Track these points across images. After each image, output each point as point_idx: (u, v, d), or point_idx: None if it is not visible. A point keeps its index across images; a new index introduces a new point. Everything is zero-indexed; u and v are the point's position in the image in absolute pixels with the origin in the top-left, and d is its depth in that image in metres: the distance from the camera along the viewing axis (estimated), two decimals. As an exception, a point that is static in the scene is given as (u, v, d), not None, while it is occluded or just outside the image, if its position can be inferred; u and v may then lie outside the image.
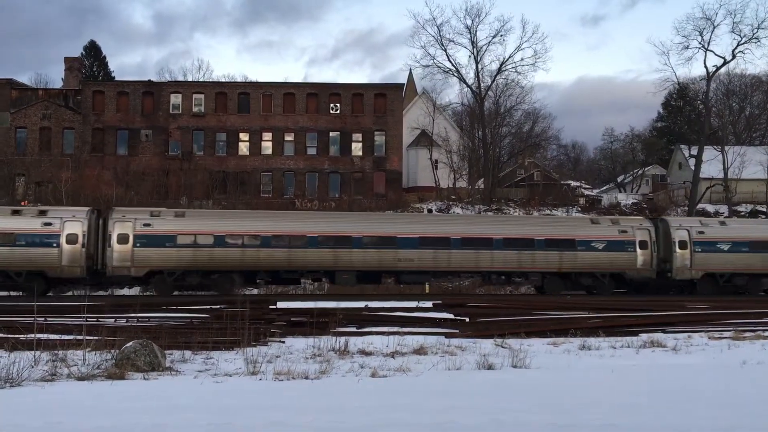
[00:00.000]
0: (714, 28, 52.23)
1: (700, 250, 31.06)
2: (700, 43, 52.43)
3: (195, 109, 53.19)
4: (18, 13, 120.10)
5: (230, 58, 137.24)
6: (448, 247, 29.37)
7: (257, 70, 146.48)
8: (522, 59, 63.10)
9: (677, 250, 30.96)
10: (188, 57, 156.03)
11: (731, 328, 18.22)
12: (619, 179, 72.66)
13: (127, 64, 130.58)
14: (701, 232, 31.42)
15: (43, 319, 15.69)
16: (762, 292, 31.69)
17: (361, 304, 21.32)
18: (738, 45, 52.12)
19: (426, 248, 29.21)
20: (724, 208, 51.85)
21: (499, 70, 56.57)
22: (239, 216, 31.35)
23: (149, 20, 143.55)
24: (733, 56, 52.38)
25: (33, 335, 12.98)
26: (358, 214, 36.37)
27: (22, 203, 42.21)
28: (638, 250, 30.72)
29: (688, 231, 31.29)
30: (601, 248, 30.48)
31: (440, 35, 56.64)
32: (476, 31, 56.43)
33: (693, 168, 53.07)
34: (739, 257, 31.07)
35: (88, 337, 13.44)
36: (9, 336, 14.07)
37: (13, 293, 28.10)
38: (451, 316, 19.21)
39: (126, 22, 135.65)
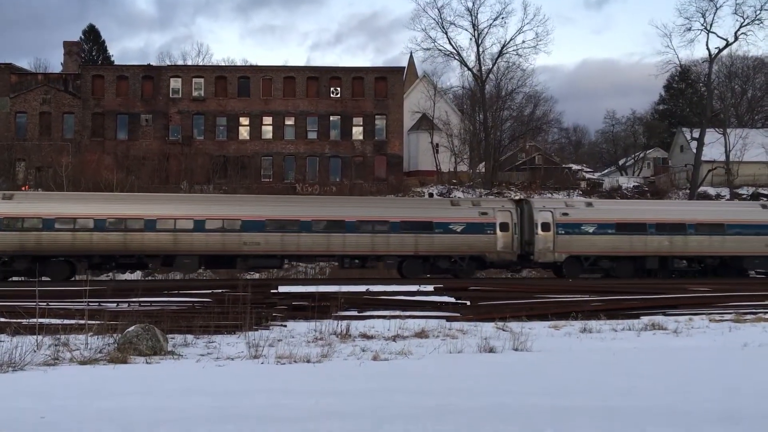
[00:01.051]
0: (716, 9, 52.25)
1: (563, 232, 30.18)
2: (702, 24, 52.24)
3: (195, 94, 53.02)
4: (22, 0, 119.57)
5: (233, 43, 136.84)
6: (297, 230, 28.44)
7: (260, 54, 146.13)
8: (523, 42, 63.33)
9: (539, 232, 30.11)
10: (191, 42, 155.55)
11: (732, 311, 18.25)
12: (621, 162, 72.53)
13: (130, 49, 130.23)
14: (565, 214, 30.47)
15: (45, 303, 15.71)
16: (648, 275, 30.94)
17: (362, 288, 21.34)
18: (740, 27, 51.92)
19: (273, 231, 28.24)
20: (725, 191, 51.80)
21: (501, 53, 56.37)
22: (70, 199, 29.77)
23: (152, 5, 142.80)
24: (736, 38, 52.18)
25: (35, 320, 13.01)
26: (201, 197, 34.89)
27: (23, 188, 42.22)
28: (498, 232, 29.96)
29: (552, 213, 30.41)
30: (459, 231, 29.63)
31: (441, 18, 56.42)
32: (477, 13, 56.40)
33: (695, 151, 52.95)
34: (605, 239, 30.22)
35: (90, 322, 13.47)
36: (11, 320, 14.10)
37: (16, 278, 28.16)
38: (453, 299, 19.24)
39: (129, 7, 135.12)
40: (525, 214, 30.77)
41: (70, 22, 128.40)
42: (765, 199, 48.86)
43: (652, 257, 30.57)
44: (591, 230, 30.26)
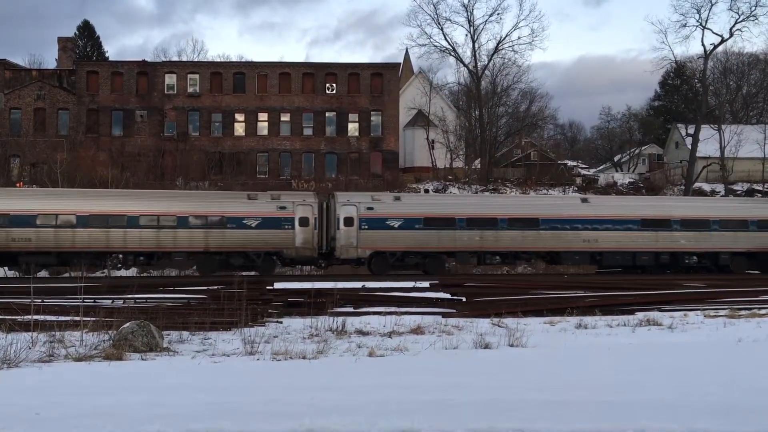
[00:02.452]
0: (712, 5, 52.30)
1: (367, 227, 28.92)
2: (697, 21, 52.30)
3: (190, 90, 52.87)
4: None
5: (231, 40, 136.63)
6: (73, 225, 27.22)
7: (259, 51, 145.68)
8: (519, 38, 63.18)
9: (342, 227, 28.83)
10: (188, 38, 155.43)
11: (727, 307, 18.33)
12: (616, 158, 72.65)
13: (129, 46, 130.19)
14: (370, 208, 29.17)
15: (40, 300, 15.68)
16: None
17: (358, 285, 21.36)
18: (736, 23, 51.98)
19: (46, 227, 27.05)
20: (720, 187, 51.94)
21: (496, 49, 56.37)
22: None
23: (152, 2, 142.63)
24: (731, 34, 52.25)
25: (30, 316, 12.99)
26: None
27: (18, 185, 42.10)
28: (297, 227, 28.61)
29: (356, 207, 29.08)
30: (254, 226, 28.40)
31: (437, 14, 56.42)
32: (473, 9, 56.28)
33: (690, 147, 53.06)
34: (412, 235, 29.12)
35: (85, 318, 13.46)
36: (6, 317, 14.08)
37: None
38: (448, 295, 19.28)
39: (128, 4, 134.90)
40: (331, 209, 29.56)
41: (69, 19, 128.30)
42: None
43: (462, 252, 29.74)
44: (397, 225, 29.12)
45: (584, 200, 32.48)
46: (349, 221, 28.98)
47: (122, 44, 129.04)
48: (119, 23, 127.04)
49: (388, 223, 29.21)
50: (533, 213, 30.26)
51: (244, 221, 28.48)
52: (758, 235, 31.58)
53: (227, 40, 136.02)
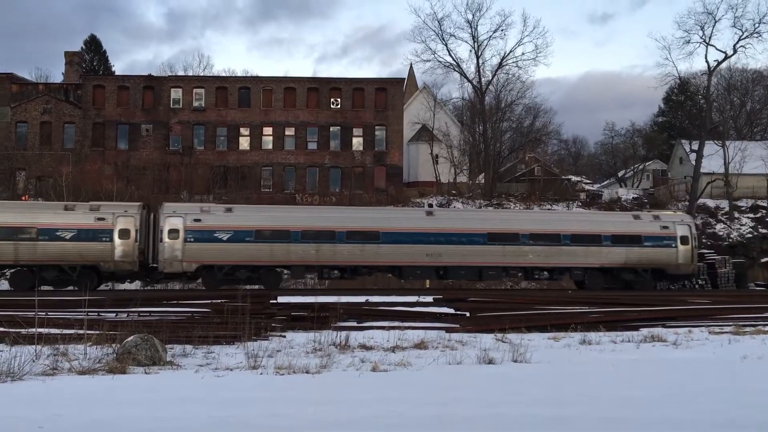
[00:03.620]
0: (715, 22, 52.26)
1: (193, 239, 27.84)
2: (701, 37, 52.42)
3: (195, 104, 53.15)
4: (30, 10, 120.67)
5: (240, 56, 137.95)
6: None
7: (267, 67, 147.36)
8: (523, 54, 63.43)
9: (166, 239, 27.76)
10: (196, 53, 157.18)
11: (732, 323, 18.25)
12: (620, 174, 72.63)
13: (139, 61, 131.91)
14: (197, 220, 28.19)
15: (44, 313, 15.69)
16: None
17: (361, 299, 21.34)
18: (739, 40, 52.11)
19: None
20: (725, 203, 51.85)
21: (500, 65, 56.58)
22: None
23: (162, 18, 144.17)
24: (735, 51, 52.37)
25: (34, 329, 13.00)
26: None
27: (23, 198, 42.26)
28: (117, 239, 27.54)
29: (182, 218, 28.13)
30: (69, 238, 27.24)
31: (441, 30, 56.66)
32: (477, 25, 56.50)
33: (694, 163, 53.03)
34: (242, 248, 28.19)
35: (89, 332, 13.46)
36: (10, 330, 14.08)
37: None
38: (452, 310, 19.23)
39: (139, 19, 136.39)
40: (158, 220, 28.56)
41: (77, 34, 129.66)
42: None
43: (297, 266, 29.10)
44: (226, 238, 28.10)
45: (429, 213, 31.63)
46: (174, 233, 27.96)
47: (132, 59, 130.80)
48: (130, 39, 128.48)
49: (216, 235, 28.21)
50: (373, 226, 29.40)
51: (58, 233, 27.32)
52: (612, 250, 30.54)
53: (235, 56, 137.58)
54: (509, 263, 30.12)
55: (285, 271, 30.44)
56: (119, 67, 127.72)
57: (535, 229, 30.60)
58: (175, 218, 28.28)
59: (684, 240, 31.41)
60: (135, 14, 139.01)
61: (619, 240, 30.80)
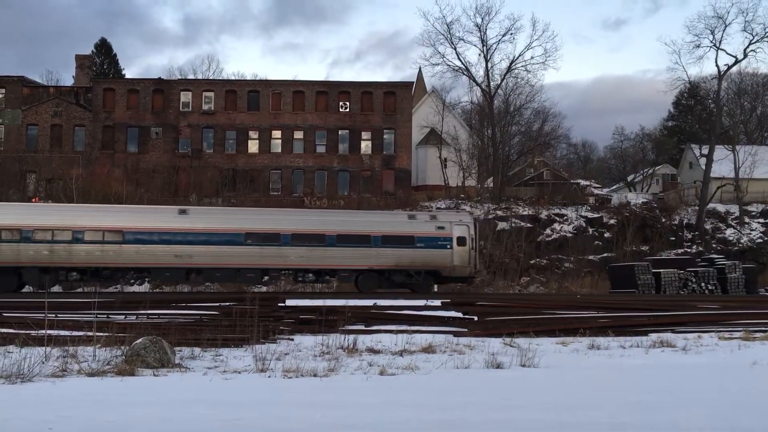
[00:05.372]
0: (726, 26, 51.95)
1: None
2: (711, 41, 52.14)
3: (205, 107, 53.34)
4: (48, 16, 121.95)
5: (254, 60, 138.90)
6: None
7: (280, 71, 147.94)
8: (532, 57, 63.27)
9: None
10: (205, 58, 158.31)
11: (741, 329, 18.14)
12: (629, 178, 72.36)
13: (154, 66, 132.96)
14: None
15: (53, 315, 15.78)
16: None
17: (369, 302, 21.33)
18: (750, 44, 51.82)
19: None
20: (734, 208, 51.59)
21: (509, 69, 56.46)
22: None
23: (178, 24, 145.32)
24: (745, 55, 52.08)
25: (44, 331, 13.07)
26: None
27: (33, 200, 42.52)
28: None
29: None
30: None
31: (450, 34, 56.59)
32: (486, 29, 56.32)
33: (704, 167, 52.79)
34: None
35: (98, 334, 13.52)
36: (20, 331, 14.16)
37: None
38: (460, 314, 19.20)
39: (155, 25, 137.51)
40: None
41: (90, 38, 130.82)
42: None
43: (31, 268, 27.35)
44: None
45: (182, 212, 29.99)
46: None
47: (148, 64, 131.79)
48: (146, 44, 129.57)
49: None
50: (118, 225, 27.97)
51: None
52: (382, 251, 29.50)
53: (250, 61, 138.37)
54: (269, 265, 28.98)
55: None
56: (134, 71, 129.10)
57: (297, 229, 29.41)
58: None
59: (461, 241, 30.28)
60: (152, 20, 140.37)
61: (390, 241, 29.64)
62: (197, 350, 13.27)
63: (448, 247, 30.16)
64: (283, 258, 29.09)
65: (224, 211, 33.85)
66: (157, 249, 28.14)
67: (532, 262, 44.34)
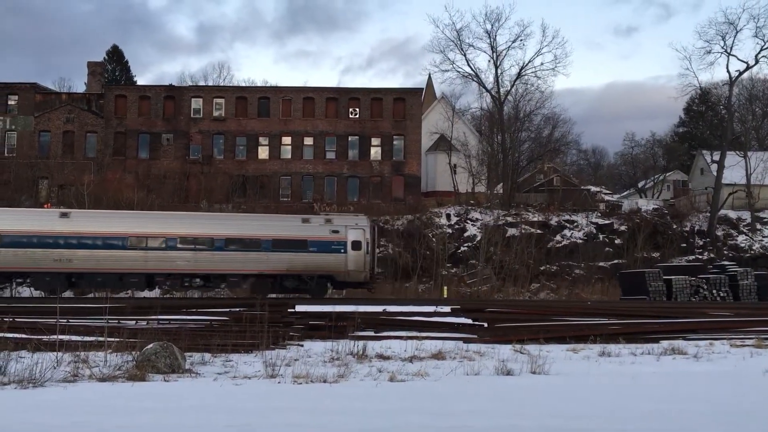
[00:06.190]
0: (737, 32, 51.86)
1: None
2: (722, 47, 52.03)
3: (215, 114, 53.61)
4: (63, 24, 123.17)
5: (267, 68, 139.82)
6: None
7: (293, 78, 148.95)
8: (542, 63, 63.29)
9: None
10: (216, 65, 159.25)
11: (754, 336, 18.00)
12: (640, 185, 72.06)
13: (167, 73, 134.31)
14: None
15: (65, 320, 15.86)
16: None
17: (379, 308, 21.33)
18: (761, 50, 51.67)
19: None
20: (746, 215, 51.28)
21: (519, 75, 56.47)
22: None
23: (192, 32, 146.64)
24: (756, 61, 51.95)
25: (56, 336, 13.14)
26: None
27: (45, 206, 42.80)
28: None
29: None
30: None
31: (460, 40, 56.68)
32: (496, 36, 56.48)
33: (715, 174, 52.52)
34: None
35: (109, 339, 13.58)
36: (32, 337, 14.25)
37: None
38: (470, 321, 19.16)
39: (169, 33, 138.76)
40: None
41: (103, 45, 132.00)
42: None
43: None
44: None
45: (64, 215, 29.48)
46: None
47: (162, 71, 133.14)
48: (160, 52, 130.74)
49: None
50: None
51: None
52: (273, 256, 28.97)
53: (262, 68, 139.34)
54: (154, 270, 28.38)
55: None
56: (148, 78, 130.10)
57: (184, 232, 28.85)
58: None
59: (356, 245, 29.86)
60: (166, 28, 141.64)
61: (282, 245, 29.21)
62: (207, 356, 13.30)
63: (343, 251, 29.81)
64: (169, 262, 28.47)
65: (108, 215, 32.85)
66: (36, 253, 27.46)
67: (542, 268, 44.23)
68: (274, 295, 28.63)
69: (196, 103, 53.77)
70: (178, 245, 28.68)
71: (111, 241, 28.17)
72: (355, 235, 30.16)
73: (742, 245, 48.37)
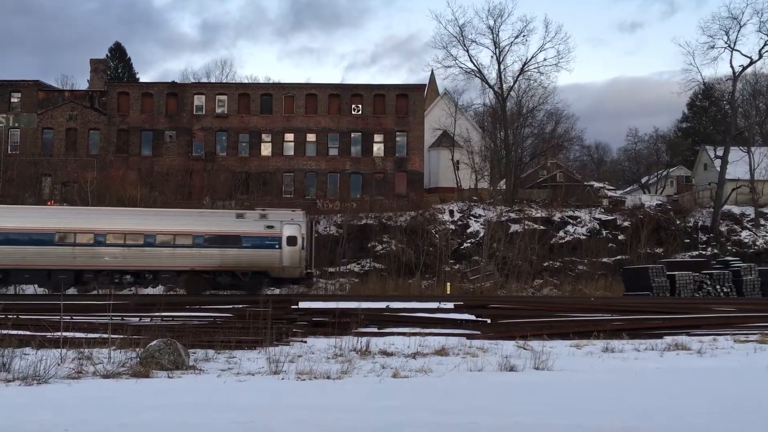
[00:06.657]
0: (740, 27, 51.73)
1: None
2: (726, 42, 51.89)
3: (218, 110, 53.64)
4: (68, 23, 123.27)
5: (271, 64, 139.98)
6: None
7: (296, 75, 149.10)
8: (545, 59, 63.15)
9: None
10: (221, 62, 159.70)
11: (757, 331, 17.98)
12: (643, 180, 71.95)
13: (171, 70, 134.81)
14: None
15: (69, 317, 15.90)
16: None
17: (382, 305, 21.37)
18: (765, 45, 51.59)
19: None
20: (750, 210, 51.17)
21: (522, 71, 56.38)
22: None
23: (195, 29, 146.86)
24: (760, 56, 51.80)
25: (59, 333, 13.17)
26: None
27: (49, 203, 42.88)
28: None
29: None
30: None
31: (462, 36, 56.58)
32: (498, 31, 56.45)
33: (718, 169, 52.41)
34: None
35: (113, 336, 13.61)
36: (36, 333, 14.28)
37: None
38: (473, 317, 19.18)
39: (173, 30, 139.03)
40: None
41: (106, 43, 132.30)
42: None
43: None
44: None
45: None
46: None
47: (165, 69, 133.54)
48: (163, 49, 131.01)
49: None
50: None
51: None
52: (204, 251, 28.71)
53: (266, 65, 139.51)
54: (83, 266, 28.07)
55: None
56: (152, 75, 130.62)
57: (113, 228, 28.52)
58: None
59: (291, 241, 29.66)
60: (170, 25, 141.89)
61: (214, 241, 29.01)
62: (211, 352, 13.32)
63: (277, 246, 29.57)
64: (97, 258, 28.18)
65: (34, 210, 32.24)
66: None
67: (545, 264, 44.22)
68: (208, 292, 28.47)
69: (199, 100, 53.80)
70: (107, 241, 28.34)
71: (38, 236, 27.78)
72: (291, 230, 29.95)
73: (746, 241, 48.28)
